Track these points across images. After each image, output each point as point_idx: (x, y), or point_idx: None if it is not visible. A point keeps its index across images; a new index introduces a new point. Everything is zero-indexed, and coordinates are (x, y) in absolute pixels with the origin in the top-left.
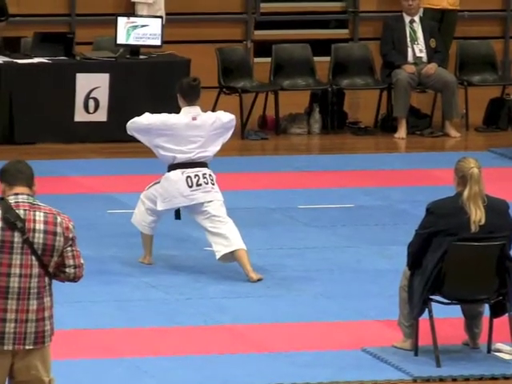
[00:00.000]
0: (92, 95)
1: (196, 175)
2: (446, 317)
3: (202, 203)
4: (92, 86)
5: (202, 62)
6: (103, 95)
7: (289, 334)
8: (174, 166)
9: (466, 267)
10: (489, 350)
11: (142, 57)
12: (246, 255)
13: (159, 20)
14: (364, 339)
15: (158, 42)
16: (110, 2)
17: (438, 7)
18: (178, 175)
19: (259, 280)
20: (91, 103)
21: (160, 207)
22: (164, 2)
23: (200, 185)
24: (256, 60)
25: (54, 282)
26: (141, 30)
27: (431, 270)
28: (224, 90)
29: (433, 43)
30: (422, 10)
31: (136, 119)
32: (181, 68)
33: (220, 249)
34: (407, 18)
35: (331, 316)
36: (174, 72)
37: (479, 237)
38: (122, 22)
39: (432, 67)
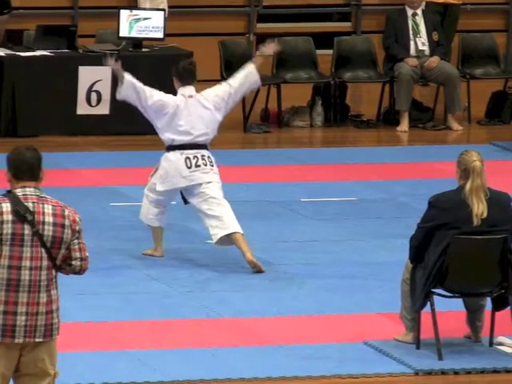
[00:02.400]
0: (94, 88)
1: (195, 156)
2: (448, 310)
3: (201, 184)
4: (94, 79)
5: (205, 54)
6: (106, 88)
7: (291, 327)
8: (172, 147)
9: (468, 261)
10: (491, 344)
11: (144, 50)
12: (242, 238)
13: (162, 13)
14: (366, 332)
15: (160, 35)
16: None
17: (441, 1)
18: (177, 156)
19: (259, 271)
20: (94, 96)
21: (160, 188)
22: None
23: (199, 166)
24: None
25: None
26: (143, 23)
27: (433, 264)
28: None
29: (435, 36)
30: (424, 4)
31: (142, 92)
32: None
33: (216, 232)
34: (410, 11)
35: (333, 309)
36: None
37: (481, 230)
38: (124, 14)
39: (434, 60)
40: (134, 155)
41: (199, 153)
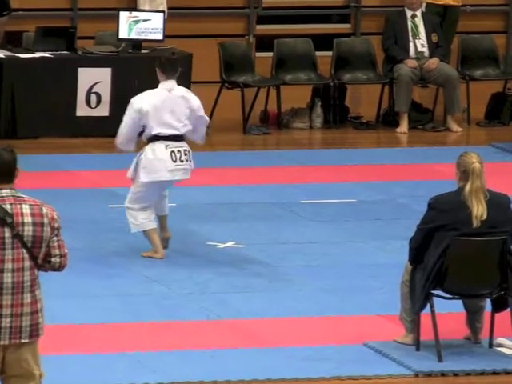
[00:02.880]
0: (94, 90)
1: (178, 151)
2: (448, 311)
3: (178, 180)
4: (94, 81)
5: (204, 56)
6: (105, 90)
7: (290, 329)
8: (157, 138)
9: (467, 262)
10: (490, 345)
11: (143, 51)
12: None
13: (161, 14)
14: (366, 334)
15: (159, 37)
16: None
17: (441, 3)
18: (161, 149)
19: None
20: (93, 98)
21: (144, 179)
22: None
23: (182, 161)
24: (258, 54)
25: (52, 276)
26: (143, 25)
27: (433, 265)
28: (226, 84)
29: (435, 38)
30: (424, 5)
31: (122, 133)
32: (183, 62)
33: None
34: (409, 13)
35: (333, 310)
36: None
37: (481, 232)
38: (123, 16)
39: (434, 62)
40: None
41: (182, 147)
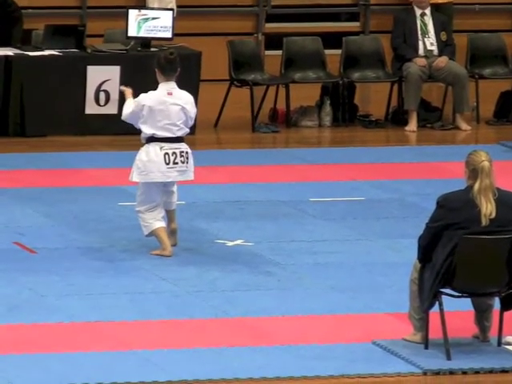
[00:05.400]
0: (103, 88)
1: (174, 153)
2: (456, 310)
3: (174, 182)
4: (103, 79)
5: (213, 54)
6: (114, 88)
7: (299, 327)
8: (153, 139)
9: (476, 260)
10: (499, 343)
11: (153, 49)
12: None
13: (170, 12)
14: (374, 332)
15: (169, 35)
16: None
17: (432, 1)
18: (156, 151)
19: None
20: (102, 96)
21: (136, 179)
22: None
23: (176, 163)
24: (267, 53)
25: (62, 274)
26: (152, 23)
27: (441, 263)
28: (235, 82)
29: (444, 36)
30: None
31: (126, 115)
32: (192, 61)
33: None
34: (418, 11)
35: (341, 309)
36: (185, 65)
37: (490, 230)
38: (133, 14)
39: (443, 60)
40: None
41: (178, 148)
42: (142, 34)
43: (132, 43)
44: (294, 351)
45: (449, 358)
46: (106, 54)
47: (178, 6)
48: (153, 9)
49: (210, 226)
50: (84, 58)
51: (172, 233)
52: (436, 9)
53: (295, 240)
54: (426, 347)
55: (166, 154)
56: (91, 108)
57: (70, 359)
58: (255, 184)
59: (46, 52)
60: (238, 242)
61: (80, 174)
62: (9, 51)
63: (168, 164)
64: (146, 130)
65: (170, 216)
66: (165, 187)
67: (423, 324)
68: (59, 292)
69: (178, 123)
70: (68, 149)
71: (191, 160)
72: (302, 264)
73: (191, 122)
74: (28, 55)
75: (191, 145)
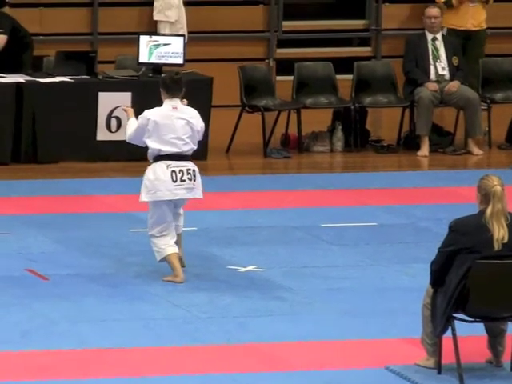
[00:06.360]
0: (114, 114)
1: (180, 170)
2: (469, 335)
3: (184, 199)
4: (114, 105)
5: (225, 80)
6: (125, 114)
7: (312, 353)
8: (159, 157)
9: (489, 285)
10: None
11: (163, 75)
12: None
13: (181, 38)
14: (387, 357)
15: (180, 61)
16: (133, 20)
17: (462, 28)
18: (163, 169)
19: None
20: (113, 122)
21: (144, 198)
22: (186, 20)
23: (184, 181)
24: (278, 78)
25: (74, 301)
26: (163, 49)
27: (454, 288)
28: (246, 108)
29: (455, 61)
30: (446, 29)
31: (130, 135)
32: (203, 86)
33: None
34: (429, 36)
35: (354, 334)
36: (197, 90)
37: (502, 255)
38: (144, 40)
39: (454, 85)
40: None
41: (185, 166)
42: (153, 60)
43: (143, 69)
44: (307, 377)
45: (462, 383)
46: (118, 80)
47: (189, 32)
48: (164, 35)
49: (222, 252)
50: (95, 85)
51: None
52: (469, 37)
53: (307, 265)
54: (439, 372)
55: (173, 171)
56: (103, 134)
57: None
58: (267, 210)
59: (58, 78)
60: (251, 267)
61: (92, 201)
62: (20, 78)
63: (175, 182)
64: (152, 145)
65: (176, 240)
66: (174, 208)
67: (436, 349)
68: (71, 318)
69: (184, 137)
70: (80, 175)
71: (198, 178)
72: (314, 289)
73: (199, 137)
74: (39, 82)
75: (203, 170)
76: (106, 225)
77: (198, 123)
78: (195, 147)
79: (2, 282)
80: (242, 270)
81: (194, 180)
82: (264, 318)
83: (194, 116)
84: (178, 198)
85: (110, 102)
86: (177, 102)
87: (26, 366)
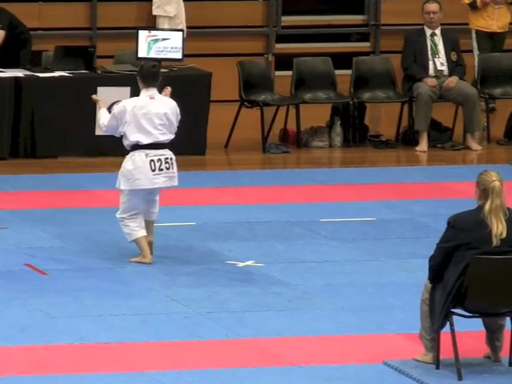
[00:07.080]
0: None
1: (159, 159)
2: (468, 330)
3: (159, 188)
4: (113, 100)
5: (223, 75)
6: None
7: (310, 348)
8: (137, 147)
9: (487, 281)
10: (510, 363)
11: (163, 70)
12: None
13: (180, 33)
14: (385, 353)
15: (179, 56)
16: (131, 15)
17: (488, 30)
18: (142, 158)
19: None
20: None
21: (123, 186)
22: (185, 15)
23: (162, 170)
24: (277, 73)
25: (73, 296)
26: (162, 44)
27: (453, 284)
28: (245, 103)
29: (454, 56)
30: (474, 31)
31: (105, 125)
32: (202, 81)
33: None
34: (428, 32)
35: (352, 329)
36: (195, 85)
37: (501, 250)
38: (143, 35)
39: (453, 80)
40: None
41: (163, 155)
42: (152, 54)
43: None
44: (305, 372)
45: (460, 378)
46: (116, 75)
47: (188, 27)
48: (163, 30)
49: (220, 247)
50: (94, 79)
51: (148, 245)
52: (491, 37)
53: (306, 260)
54: (438, 367)
55: (152, 160)
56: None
57: (80, 380)
58: (266, 205)
59: (56, 73)
60: (249, 262)
61: (91, 195)
62: (19, 72)
63: (154, 171)
64: (130, 135)
65: (148, 227)
66: (149, 195)
67: (434, 344)
68: (70, 313)
69: (161, 127)
70: (79, 170)
71: (175, 166)
72: (312, 284)
73: (175, 126)
74: (38, 76)
75: (201, 166)
76: (105, 220)
77: (174, 112)
78: (172, 136)
79: (0, 277)
80: (241, 265)
81: (172, 168)
82: (262, 313)
83: (170, 106)
84: (156, 186)
85: (108, 96)
86: (154, 91)
87: (25, 360)
